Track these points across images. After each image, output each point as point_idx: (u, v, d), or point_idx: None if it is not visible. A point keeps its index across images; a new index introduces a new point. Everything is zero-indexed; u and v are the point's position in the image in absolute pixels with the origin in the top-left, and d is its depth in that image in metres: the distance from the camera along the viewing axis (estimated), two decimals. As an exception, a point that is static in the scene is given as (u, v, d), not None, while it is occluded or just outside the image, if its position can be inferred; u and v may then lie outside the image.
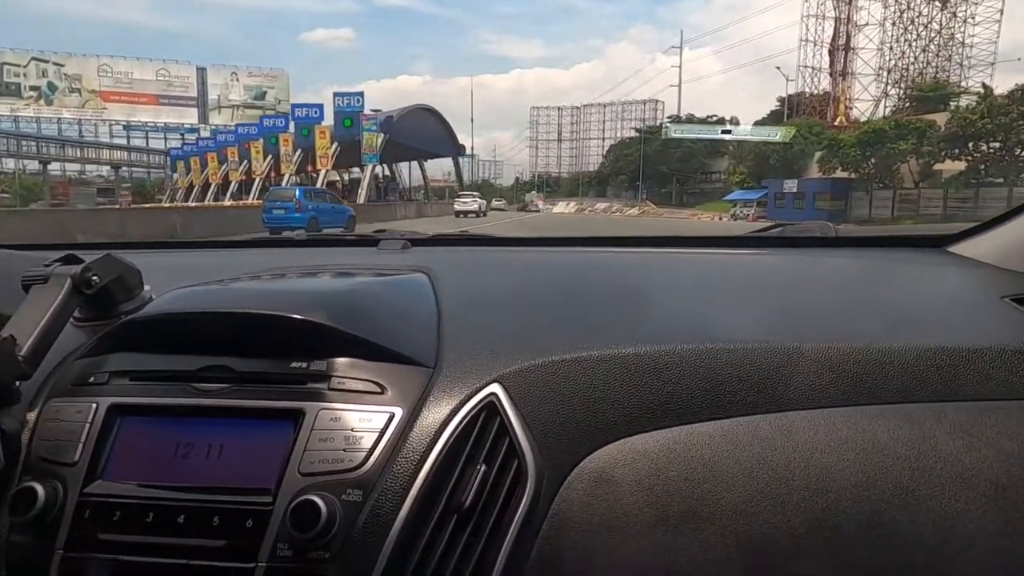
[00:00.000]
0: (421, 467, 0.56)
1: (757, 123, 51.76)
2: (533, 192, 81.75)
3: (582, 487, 0.57)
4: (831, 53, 53.72)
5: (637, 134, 67.21)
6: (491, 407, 0.60)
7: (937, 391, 0.61)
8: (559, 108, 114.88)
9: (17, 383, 0.59)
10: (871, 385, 0.61)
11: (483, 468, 0.56)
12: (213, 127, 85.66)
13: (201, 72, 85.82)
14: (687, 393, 0.61)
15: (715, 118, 59.77)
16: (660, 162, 54.57)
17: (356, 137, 33.43)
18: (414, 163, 57.09)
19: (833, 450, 0.57)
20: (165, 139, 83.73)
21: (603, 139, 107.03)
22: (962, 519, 0.55)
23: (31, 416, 0.63)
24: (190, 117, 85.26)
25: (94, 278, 0.70)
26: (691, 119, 59.77)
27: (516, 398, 0.60)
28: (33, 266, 0.70)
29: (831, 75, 53.45)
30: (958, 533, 0.54)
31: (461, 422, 0.59)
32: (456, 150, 55.74)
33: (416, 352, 0.65)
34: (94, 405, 0.62)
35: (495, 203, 47.33)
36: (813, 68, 56.33)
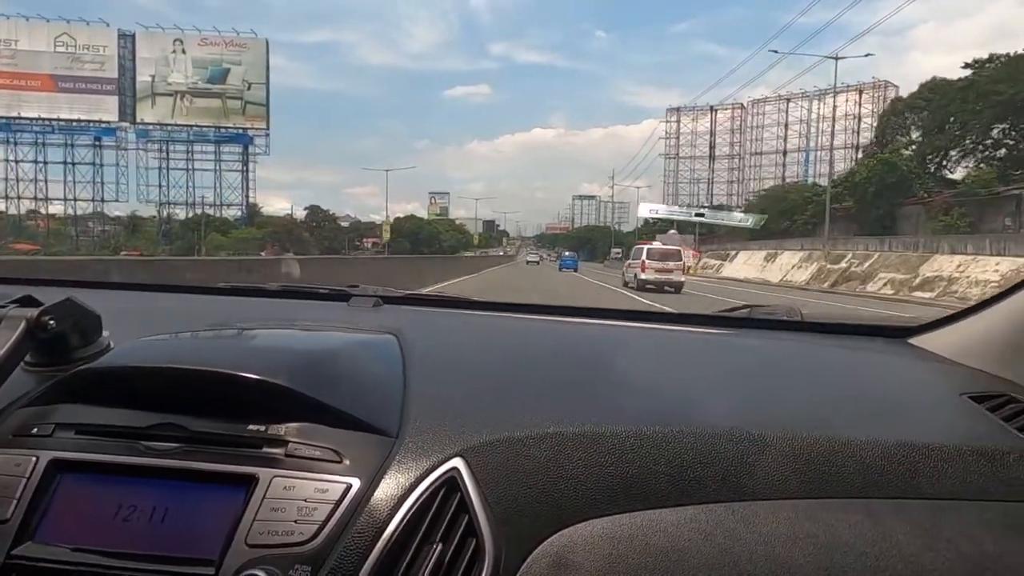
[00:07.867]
0: (375, 543, 0.54)
1: None
2: (672, 231, 42.82)
3: (541, 570, 0.56)
4: None
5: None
6: (451, 482, 0.58)
7: (898, 487, 0.61)
8: (711, 107, 75.52)
9: None
10: (834, 477, 0.61)
11: (440, 547, 0.55)
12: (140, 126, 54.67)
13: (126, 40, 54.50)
14: (651, 477, 0.61)
15: None
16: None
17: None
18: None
19: (796, 544, 0.57)
20: (66, 145, 53.90)
21: (782, 152, 66.05)
22: None
23: None
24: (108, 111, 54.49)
25: (51, 323, 0.65)
26: None
27: (478, 474, 0.59)
28: None
29: None
30: None
31: (420, 497, 0.57)
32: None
33: (378, 420, 0.63)
34: (34, 459, 0.59)
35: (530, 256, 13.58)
36: None
